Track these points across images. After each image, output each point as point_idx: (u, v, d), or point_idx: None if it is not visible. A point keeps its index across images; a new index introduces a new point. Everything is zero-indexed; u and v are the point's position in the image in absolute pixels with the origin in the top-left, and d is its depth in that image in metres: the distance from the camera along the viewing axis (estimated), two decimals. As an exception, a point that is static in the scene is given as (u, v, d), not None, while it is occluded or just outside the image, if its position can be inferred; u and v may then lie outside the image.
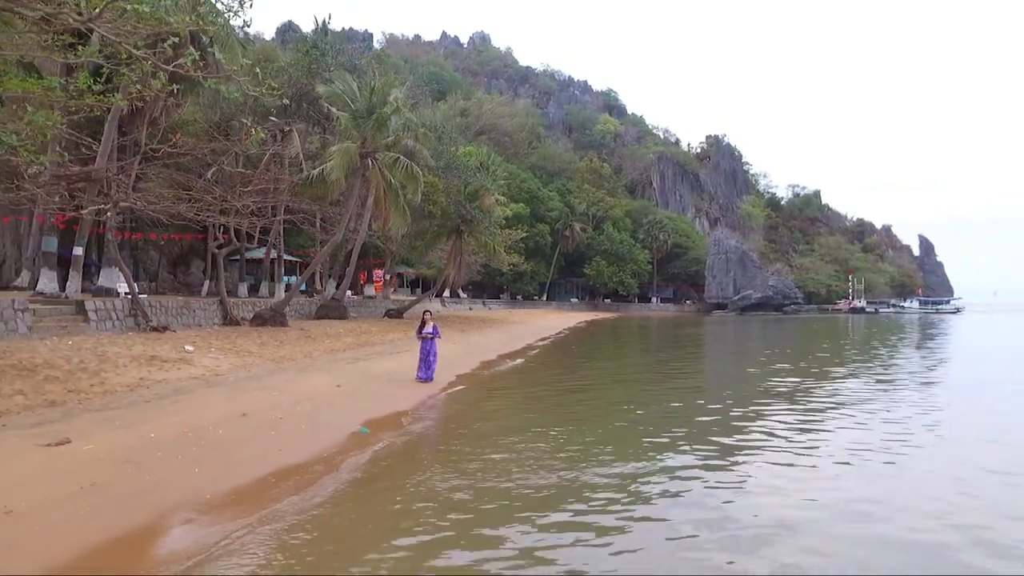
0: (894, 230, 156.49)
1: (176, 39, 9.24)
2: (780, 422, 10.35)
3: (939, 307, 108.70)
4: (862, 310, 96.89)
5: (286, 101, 21.79)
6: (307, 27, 77.55)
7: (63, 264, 19.46)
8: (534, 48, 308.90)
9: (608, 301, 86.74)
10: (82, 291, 18.54)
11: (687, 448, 8.56)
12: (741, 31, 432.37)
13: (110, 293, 19.01)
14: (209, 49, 18.07)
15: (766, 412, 11.34)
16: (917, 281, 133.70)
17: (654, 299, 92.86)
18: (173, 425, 7.72)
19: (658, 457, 8.03)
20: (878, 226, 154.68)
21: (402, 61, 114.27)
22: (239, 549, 4.83)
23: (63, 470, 5.75)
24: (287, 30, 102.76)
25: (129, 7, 7.73)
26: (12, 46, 10.56)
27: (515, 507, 6.01)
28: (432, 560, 4.81)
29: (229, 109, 23.17)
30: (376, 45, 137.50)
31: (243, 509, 5.67)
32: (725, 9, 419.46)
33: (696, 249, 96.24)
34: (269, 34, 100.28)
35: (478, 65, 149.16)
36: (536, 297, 77.86)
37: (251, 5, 9.93)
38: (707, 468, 7.52)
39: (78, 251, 17.66)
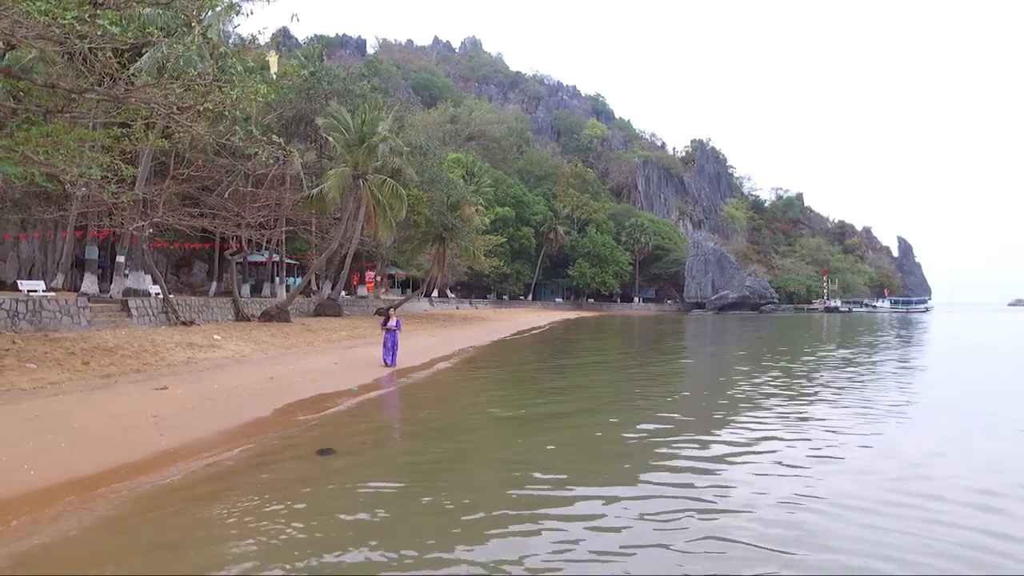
0: (874, 231, 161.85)
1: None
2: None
3: (909, 306, 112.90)
4: (836, 309, 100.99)
5: (277, 138, 25.44)
6: (301, 34, 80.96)
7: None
8: (524, 53, 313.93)
9: (591, 301, 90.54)
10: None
11: (570, 398, 12.46)
12: (728, 37, 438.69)
13: (138, 293, 22.66)
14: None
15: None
16: (895, 282, 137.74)
17: (636, 299, 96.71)
18: (226, 383, 11.54)
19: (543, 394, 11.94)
20: (859, 228, 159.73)
21: (395, 67, 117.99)
22: (286, 430, 8.72)
23: (172, 401, 9.55)
24: (283, 36, 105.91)
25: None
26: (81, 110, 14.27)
27: (437, 413, 9.97)
28: (386, 423, 8.73)
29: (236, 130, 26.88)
30: (370, 50, 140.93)
31: (282, 417, 9.61)
32: (713, 16, 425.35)
33: (677, 251, 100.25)
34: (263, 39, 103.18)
35: (469, 70, 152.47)
36: (522, 297, 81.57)
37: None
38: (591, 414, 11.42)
39: (120, 259, 21.34)
